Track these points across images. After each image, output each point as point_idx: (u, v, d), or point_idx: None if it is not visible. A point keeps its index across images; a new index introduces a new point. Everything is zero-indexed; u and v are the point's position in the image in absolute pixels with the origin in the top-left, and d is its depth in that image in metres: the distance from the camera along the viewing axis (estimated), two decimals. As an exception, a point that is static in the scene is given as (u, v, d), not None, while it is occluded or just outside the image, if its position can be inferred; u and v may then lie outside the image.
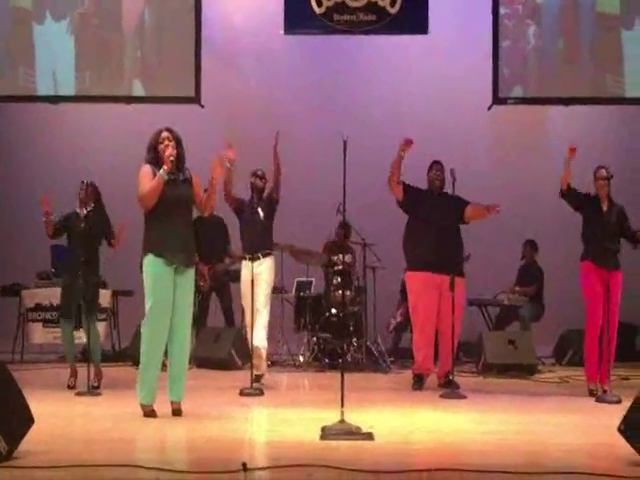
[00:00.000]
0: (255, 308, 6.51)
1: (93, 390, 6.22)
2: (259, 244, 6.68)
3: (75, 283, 6.40)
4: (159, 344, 5.14)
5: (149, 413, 5.10)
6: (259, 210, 6.67)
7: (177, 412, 5.17)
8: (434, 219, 6.61)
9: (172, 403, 5.20)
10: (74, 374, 6.49)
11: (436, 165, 6.87)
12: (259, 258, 6.67)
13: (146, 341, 5.14)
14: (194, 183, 5.34)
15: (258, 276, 6.58)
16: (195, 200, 5.35)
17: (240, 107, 10.11)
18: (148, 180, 5.18)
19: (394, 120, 9.92)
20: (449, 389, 6.35)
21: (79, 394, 6.13)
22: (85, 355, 6.52)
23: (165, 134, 5.28)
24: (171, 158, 5.17)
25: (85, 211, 6.44)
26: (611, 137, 9.96)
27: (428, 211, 6.68)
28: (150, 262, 5.16)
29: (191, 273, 5.29)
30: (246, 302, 6.63)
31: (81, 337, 6.75)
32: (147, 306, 5.13)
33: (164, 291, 5.12)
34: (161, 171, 5.17)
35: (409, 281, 6.83)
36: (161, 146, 5.23)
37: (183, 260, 5.20)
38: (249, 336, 6.68)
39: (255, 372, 6.44)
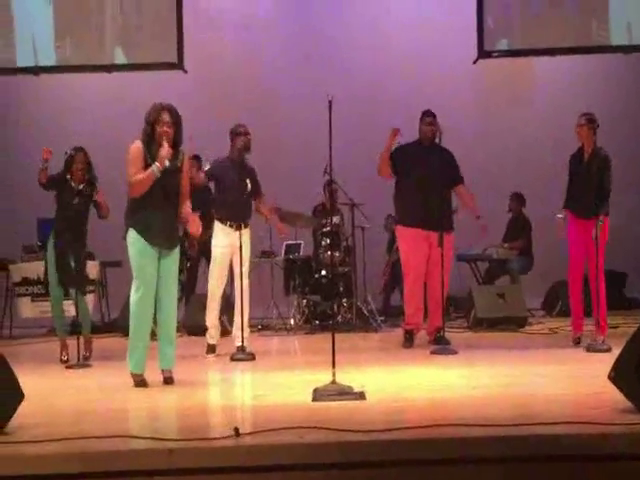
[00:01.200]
0: (238, 288, 6.48)
1: (84, 362, 6.21)
2: (244, 214, 6.59)
3: (64, 255, 6.35)
4: (146, 315, 5.12)
5: (139, 382, 5.10)
6: (248, 182, 6.52)
7: (168, 380, 5.17)
8: (423, 176, 6.56)
9: (163, 371, 5.20)
10: (65, 347, 6.45)
11: (427, 116, 6.72)
12: (240, 228, 6.52)
13: (134, 313, 5.13)
14: (184, 170, 5.18)
15: (238, 249, 6.46)
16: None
17: (224, 71, 9.99)
18: (138, 165, 5.01)
19: (380, 77, 9.85)
20: (440, 345, 6.38)
21: (69, 367, 6.12)
22: (75, 327, 6.49)
23: (165, 117, 5.00)
24: (166, 161, 4.97)
25: (80, 187, 6.32)
26: (597, 85, 9.91)
27: (417, 169, 6.61)
28: (134, 237, 5.11)
29: (176, 252, 5.23)
30: (222, 269, 6.55)
31: (69, 310, 6.70)
32: (134, 278, 5.13)
33: (148, 266, 5.08)
34: (154, 167, 4.98)
35: (399, 236, 6.86)
36: (159, 129, 4.99)
37: (164, 245, 5.12)
38: (215, 301, 6.62)
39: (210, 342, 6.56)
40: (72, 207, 6.31)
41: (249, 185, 6.52)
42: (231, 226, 6.49)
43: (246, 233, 6.58)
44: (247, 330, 6.54)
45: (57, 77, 9.52)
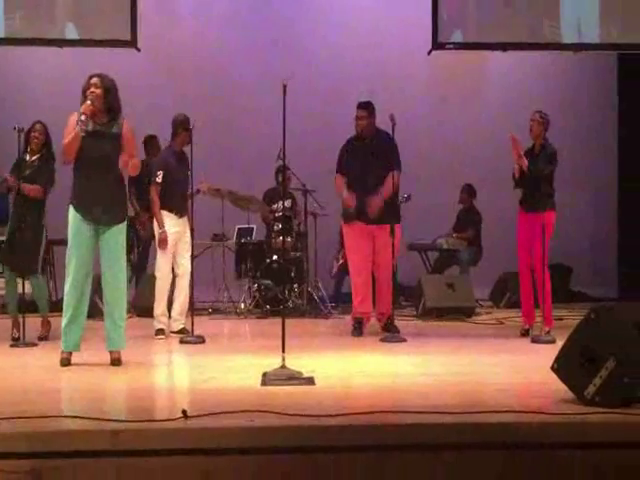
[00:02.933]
0: (180, 272, 6.64)
1: (32, 341, 6.08)
2: (185, 202, 6.73)
3: (20, 232, 6.19)
4: (76, 296, 5.04)
5: (64, 361, 5.04)
6: (189, 173, 6.61)
7: (116, 362, 5.11)
8: (359, 171, 6.60)
9: (110, 352, 5.14)
10: (17, 325, 6.22)
11: (359, 109, 6.66)
12: (184, 216, 6.72)
13: (66, 293, 5.08)
14: (124, 137, 5.06)
15: (182, 235, 6.67)
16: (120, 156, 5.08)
17: (178, 50, 9.87)
18: (71, 132, 4.97)
19: (336, 65, 9.85)
20: (389, 333, 6.44)
21: (14, 345, 6.03)
22: (30, 306, 6.33)
23: (93, 80, 5.01)
24: (81, 117, 4.89)
25: (34, 158, 6.20)
26: (547, 82, 10.06)
27: (352, 165, 6.65)
28: (71, 214, 5.06)
29: (117, 229, 5.10)
30: (166, 255, 6.65)
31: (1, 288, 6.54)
32: (67, 257, 5.07)
33: (81, 248, 5.02)
34: (77, 127, 4.92)
35: (344, 233, 6.94)
36: (87, 94, 4.97)
37: (101, 219, 5.03)
38: (164, 288, 6.68)
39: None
40: (24, 179, 6.14)
41: (189, 175, 6.63)
42: (177, 214, 6.66)
43: (186, 222, 6.73)
44: (184, 314, 6.68)
45: (6, 50, 9.30)
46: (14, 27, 8.65)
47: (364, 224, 6.59)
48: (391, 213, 6.60)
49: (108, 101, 5.02)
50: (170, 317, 6.70)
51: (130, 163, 5.09)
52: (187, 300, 6.71)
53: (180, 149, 6.77)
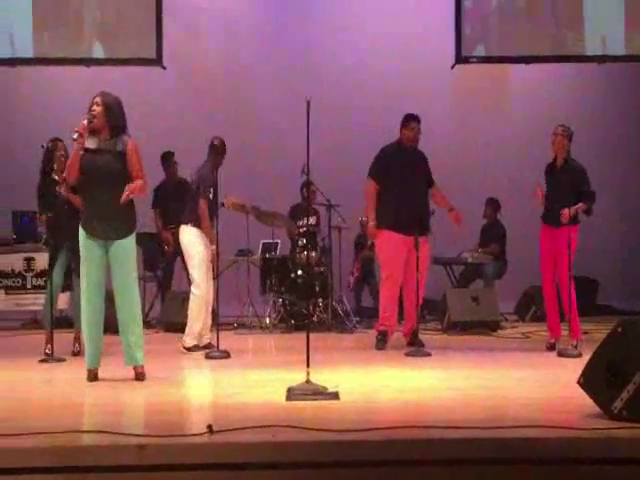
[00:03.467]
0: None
1: (57, 357, 6.12)
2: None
3: (57, 253, 6.23)
4: (92, 314, 5.10)
5: (90, 376, 5.10)
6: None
7: (139, 376, 5.13)
8: (405, 180, 6.58)
9: (134, 368, 5.17)
10: (50, 340, 6.19)
11: (413, 121, 6.69)
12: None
13: (82, 312, 5.15)
14: (129, 153, 5.05)
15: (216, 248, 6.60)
16: (127, 174, 5.05)
17: (202, 68, 9.99)
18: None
19: (358, 80, 9.89)
20: (414, 347, 6.42)
21: (43, 360, 6.08)
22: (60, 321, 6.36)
23: (96, 99, 5.04)
24: (74, 135, 4.92)
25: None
26: (574, 94, 10.03)
27: (399, 172, 6.62)
28: (80, 233, 5.11)
29: (125, 242, 5.09)
30: (203, 271, 6.61)
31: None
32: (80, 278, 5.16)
33: (92, 267, 5.06)
34: (75, 147, 4.98)
35: (377, 239, 6.81)
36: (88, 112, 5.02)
37: (108, 234, 5.04)
38: (205, 305, 6.65)
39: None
40: (58, 199, 6.21)
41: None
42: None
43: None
44: (209, 329, 6.70)
45: (35, 70, 9.46)
46: (43, 47, 8.82)
47: (406, 236, 6.54)
48: (428, 226, 6.65)
49: (110, 118, 5.03)
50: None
51: (137, 187, 5.00)
52: (210, 315, 6.71)
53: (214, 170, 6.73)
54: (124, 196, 4.96)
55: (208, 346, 6.58)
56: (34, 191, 6.48)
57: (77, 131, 4.95)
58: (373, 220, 6.67)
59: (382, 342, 6.68)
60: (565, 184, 6.30)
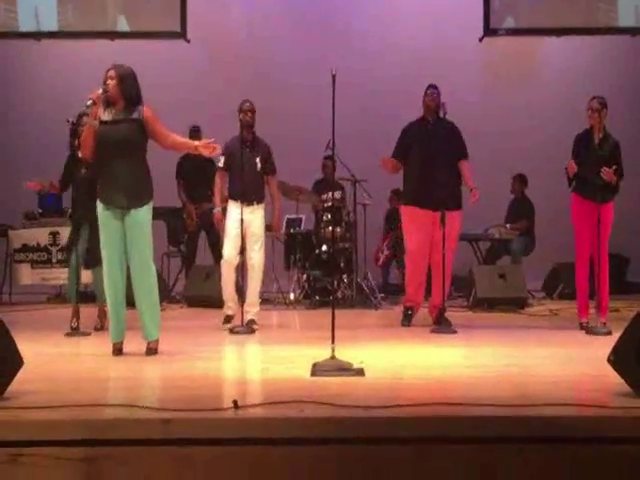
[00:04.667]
0: (249, 264, 6.51)
1: (82, 331, 6.16)
2: (252, 191, 6.55)
3: (78, 229, 6.25)
4: (115, 286, 5.10)
5: (115, 351, 5.12)
6: (257, 162, 6.55)
7: (150, 351, 5.12)
8: (427, 154, 6.48)
9: (147, 342, 5.16)
10: (76, 314, 6.22)
11: (431, 88, 6.64)
12: (252, 204, 6.54)
13: (105, 286, 5.16)
14: (147, 120, 5.03)
15: (250, 224, 6.48)
16: (153, 138, 5.08)
17: (227, 40, 9.93)
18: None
19: (385, 52, 9.78)
20: (440, 324, 6.37)
21: (69, 334, 6.11)
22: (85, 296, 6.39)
23: (109, 72, 5.02)
24: (87, 102, 4.92)
25: None
26: (604, 67, 9.84)
27: (421, 147, 6.53)
28: (99, 207, 5.10)
29: (141, 212, 5.06)
30: (232, 244, 6.50)
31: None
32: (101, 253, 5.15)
33: (110, 238, 5.05)
34: (89, 119, 4.99)
35: (403, 215, 6.75)
36: (103, 86, 5.00)
37: (125, 203, 5.01)
38: (227, 274, 6.57)
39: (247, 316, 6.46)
40: (80, 177, 6.20)
41: (259, 164, 6.54)
42: (242, 202, 6.45)
43: (258, 210, 6.59)
44: (257, 306, 6.61)
45: (59, 43, 9.45)
46: (67, 20, 8.82)
47: (430, 211, 6.46)
48: (457, 202, 6.54)
49: (125, 90, 5.01)
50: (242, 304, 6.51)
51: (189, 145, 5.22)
52: (256, 293, 6.61)
53: (247, 135, 6.59)
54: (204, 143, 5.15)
55: (250, 322, 6.43)
56: (60, 165, 6.48)
57: (91, 98, 4.95)
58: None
59: (407, 318, 6.65)
60: (604, 157, 6.17)
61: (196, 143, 5.25)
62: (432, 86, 6.66)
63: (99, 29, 8.92)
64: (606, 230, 6.18)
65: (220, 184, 6.65)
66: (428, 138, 6.52)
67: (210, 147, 5.17)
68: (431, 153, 6.46)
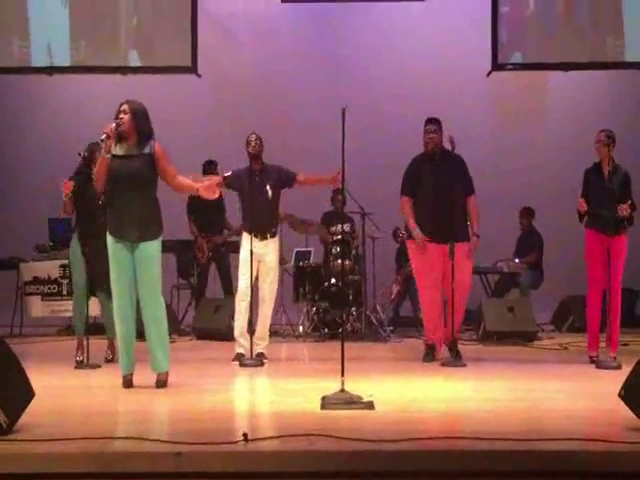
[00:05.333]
0: (260, 296, 6.49)
1: (92, 363, 6.16)
2: (266, 224, 6.52)
3: (97, 258, 6.11)
4: (125, 319, 5.12)
5: (125, 383, 5.13)
6: (267, 189, 6.52)
7: (160, 384, 5.12)
8: (431, 188, 6.43)
9: (157, 374, 5.16)
10: (82, 347, 6.24)
11: (429, 124, 6.46)
12: (266, 238, 6.52)
13: (116, 320, 5.18)
14: (158, 157, 5.10)
15: (263, 257, 6.47)
16: (161, 175, 5.15)
17: (237, 76, 10.04)
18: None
19: (394, 89, 9.86)
20: (450, 357, 6.33)
21: (78, 367, 6.12)
22: (93, 328, 6.39)
23: (123, 106, 5.10)
24: (102, 136, 4.99)
25: None
26: (612, 101, 9.89)
27: (425, 181, 6.47)
28: (108, 241, 5.15)
29: (152, 246, 5.10)
30: (244, 275, 6.45)
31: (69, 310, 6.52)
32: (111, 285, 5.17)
33: (121, 271, 5.09)
34: (102, 152, 5.05)
35: (410, 251, 6.65)
36: (116, 120, 5.07)
37: (134, 237, 5.05)
38: (239, 311, 6.48)
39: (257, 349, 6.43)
40: (96, 205, 6.13)
41: (269, 191, 6.51)
42: (255, 236, 6.44)
43: (272, 242, 6.56)
44: (266, 340, 6.60)
45: (71, 78, 9.56)
46: (79, 56, 8.92)
47: (437, 244, 6.38)
48: (465, 234, 6.47)
49: (137, 125, 5.08)
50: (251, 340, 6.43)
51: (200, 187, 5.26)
52: (266, 326, 6.57)
53: (255, 166, 6.52)
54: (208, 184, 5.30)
55: (260, 356, 6.40)
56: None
57: (105, 132, 5.02)
58: (417, 229, 6.48)
59: (429, 356, 6.50)
60: (614, 190, 6.17)
61: (197, 185, 5.31)
62: (430, 121, 6.48)
63: (111, 64, 9.02)
64: (619, 263, 6.17)
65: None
66: (432, 173, 6.46)
67: (211, 190, 5.28)
68: (435, 188, 6.40)
